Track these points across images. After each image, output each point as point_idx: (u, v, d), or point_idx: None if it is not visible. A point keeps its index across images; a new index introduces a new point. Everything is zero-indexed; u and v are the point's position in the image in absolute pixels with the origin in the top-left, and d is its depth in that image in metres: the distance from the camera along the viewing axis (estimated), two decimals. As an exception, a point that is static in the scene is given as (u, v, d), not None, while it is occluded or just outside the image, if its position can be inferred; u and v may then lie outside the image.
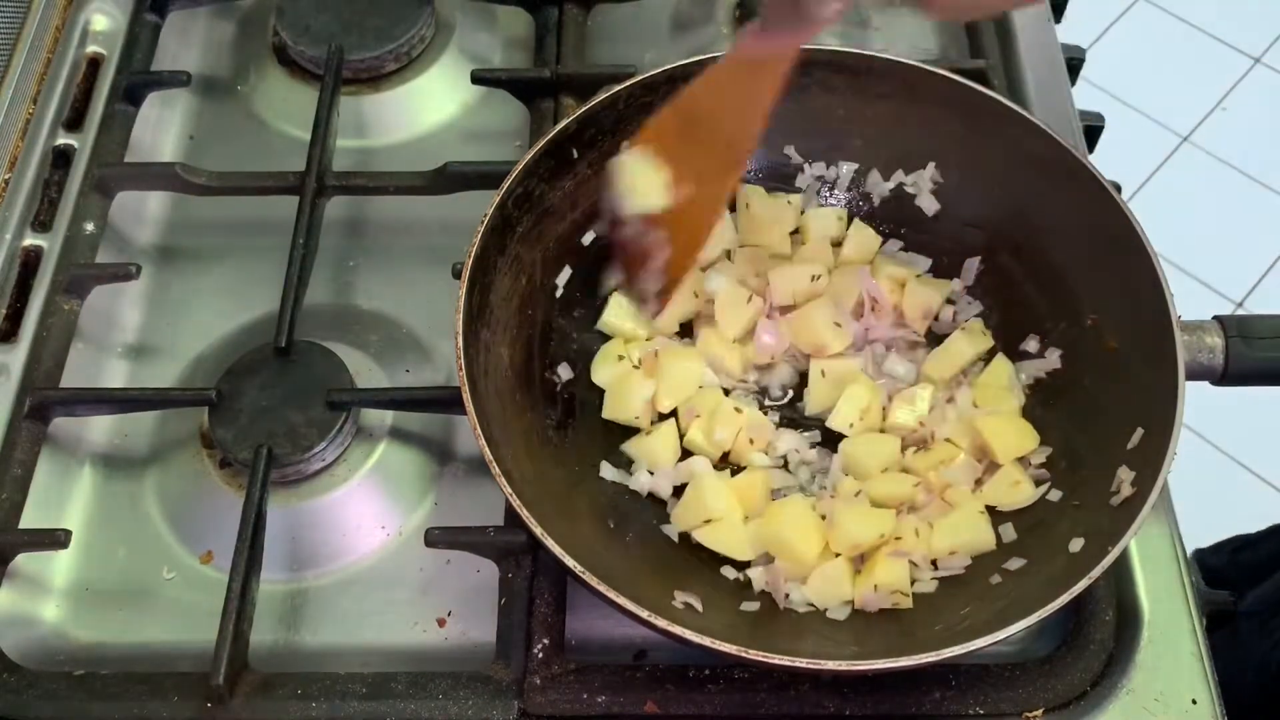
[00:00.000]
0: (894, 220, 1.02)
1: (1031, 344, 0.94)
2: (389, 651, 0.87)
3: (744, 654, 0.72)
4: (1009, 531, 0.86)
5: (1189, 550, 0.89)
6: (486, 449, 0.79)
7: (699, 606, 0.82)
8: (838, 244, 1.01)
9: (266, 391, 0.93)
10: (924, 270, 1.00)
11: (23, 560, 0.89)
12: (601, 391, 0.95)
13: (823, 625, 0.83)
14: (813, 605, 0.84)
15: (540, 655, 0.82)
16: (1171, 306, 0.84)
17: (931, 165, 1.00)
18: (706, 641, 0.73)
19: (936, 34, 1.20)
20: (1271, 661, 1.16)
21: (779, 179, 1.03)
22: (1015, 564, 0.84)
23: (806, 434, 0.94)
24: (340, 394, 0.92)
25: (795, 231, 1.02)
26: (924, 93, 0.97)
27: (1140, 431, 0.82)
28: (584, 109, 0.95)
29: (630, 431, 0.93)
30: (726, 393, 0.95)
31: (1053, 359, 0.93)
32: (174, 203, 1.10)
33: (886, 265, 0.99)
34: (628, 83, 0.96)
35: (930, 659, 0.73)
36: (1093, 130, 1.14)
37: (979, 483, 0.89)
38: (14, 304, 1.00)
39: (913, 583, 0.85)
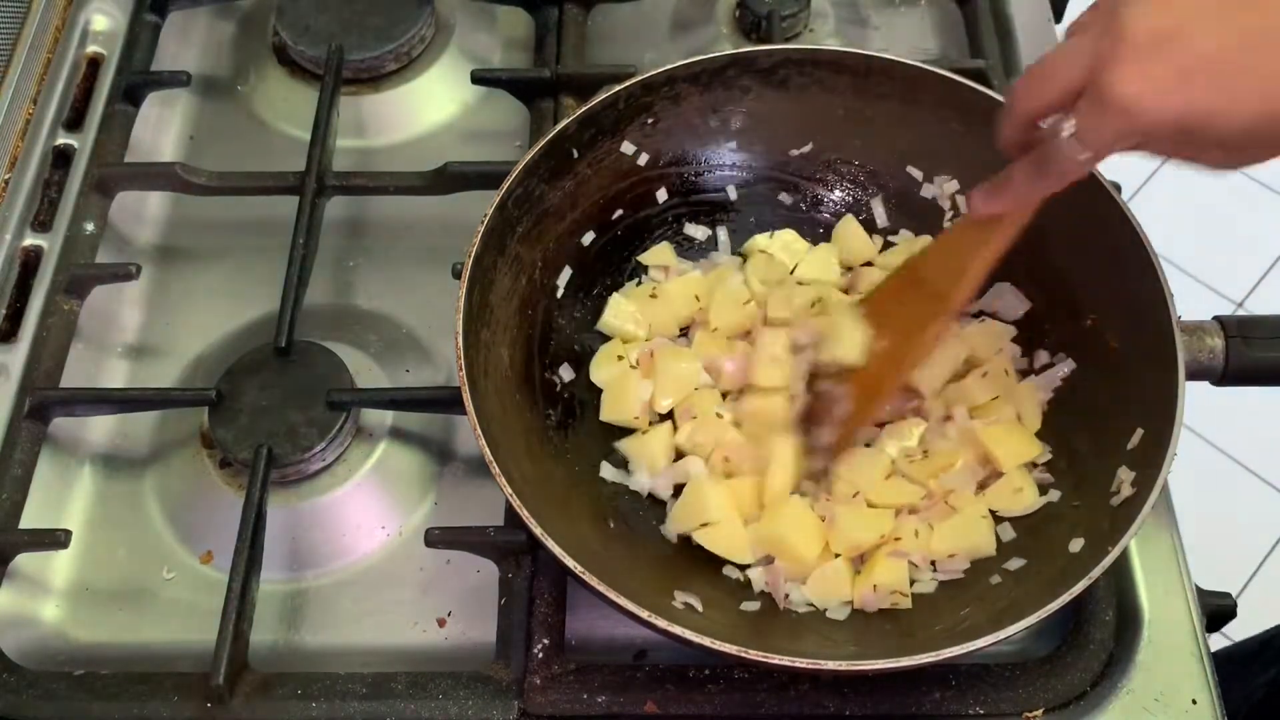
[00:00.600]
0: (896, 214, 1.02)
1: (1042, 356, 0.94)
2: (389, 651, 0.87)
3: (744, 654, 0.72)
4: (1008, 531, 0.86)
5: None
6: (486, 449, 0.79)
7: (699, 606, 0.82)
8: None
9: (266, 391, 0.93)
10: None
11: (23, 560, 0.89)
12: (601, 391, 0.95)
13: (823, 625, 0.83)
14: (813, 605, 0.84)
15: (540, 655, 0.82)
16: (1171, 306, 0.84)
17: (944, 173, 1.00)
18: (706, 641, 0.73)
19: (936, 34, 1.20)
20: None
21: (780, 181, 1.04)
22: (1015, 564, 0.84)
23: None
24: (340, 394, 0.92)
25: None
26: (924, 93, 0.97)
27: (1140, 431, 0.82)
28: (584, 109, 0.95)
29: (629, 431, 0.93)
30: (725, 396, 0.94)
31: (1065, 366, 0.92)
32: (174, 203, 1.10)
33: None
34: (628, 83, 0.96)
35: (930, 659, 0.73)
36: (1093, 130, 1.14)
37: (981, 486, 0.89)
38: (14, 304, 1.00)
39: (912, 583, 0.85)
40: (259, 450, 0.89)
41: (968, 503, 0.87)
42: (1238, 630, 1.21)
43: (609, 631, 0.86)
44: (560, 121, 0.95)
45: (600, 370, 0.95)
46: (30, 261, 1.02)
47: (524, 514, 0.76)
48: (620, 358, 0.95)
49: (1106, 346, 0.90)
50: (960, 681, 0.82)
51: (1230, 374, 0.88)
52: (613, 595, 0.74)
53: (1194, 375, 0.85)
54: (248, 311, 1.03)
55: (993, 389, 0.92)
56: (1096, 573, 0.75)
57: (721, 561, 0.87)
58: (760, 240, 1.01)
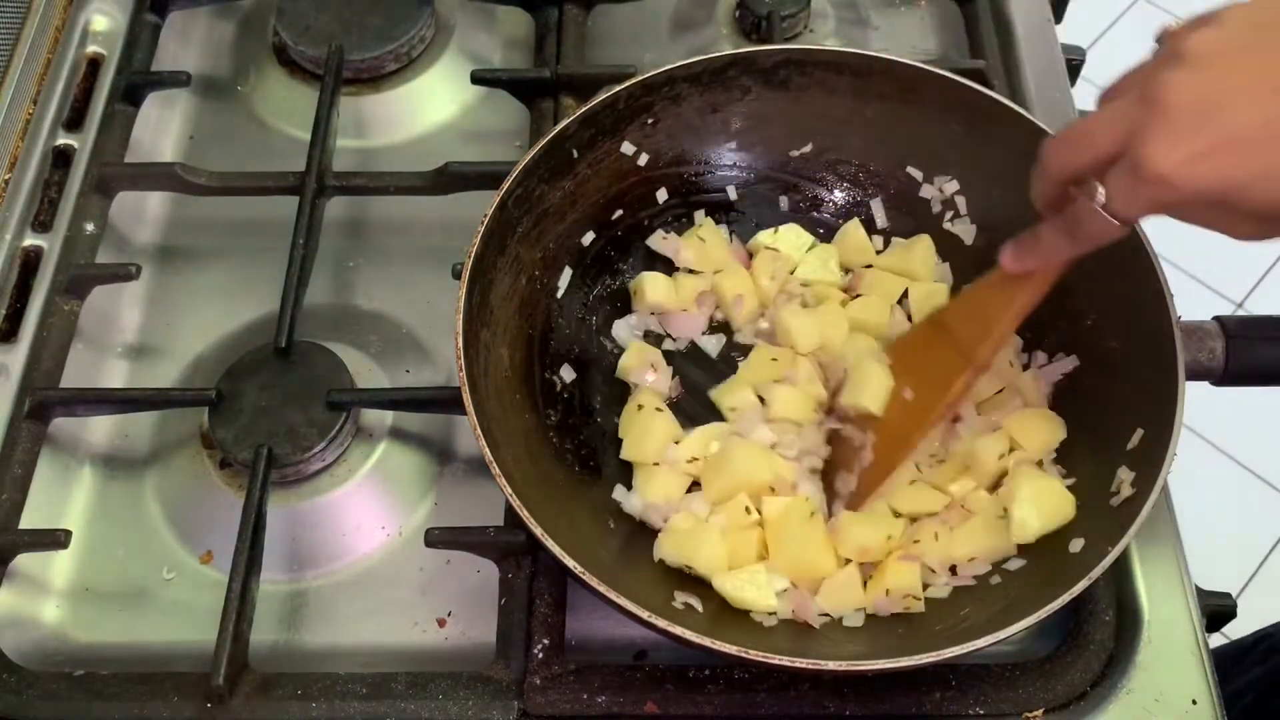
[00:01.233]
0: (896, 214, 1.02)
1: (1041, 357, 0.94)
2: (389, 651, 0.87)
3: (744, 654, 0.72)
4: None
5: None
6: (486, 449, 0.79)
7: (699, 607, 0.82)
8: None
9: (266, 391, 0.93)
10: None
11: (23, 560, 0.89)
12: (601, 391, 0.95)
13: (823, 626, 0.83)
14: (828, 616, 0.84)
15: (540, 655, 0.82)
16: (1171, 306, 0.84)
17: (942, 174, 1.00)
18: (706, 641, 0.73)
19: (936, 34, 1.20)
20: None
21: (780, 182, 1.04)
22: (1015, 564, 0.84)
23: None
24: (340, 394, 0.92)
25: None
26: (924, 93, 0.97)
27: (1140, 431, 0.82)
28: (584, 109, 0.95)
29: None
30: None
31: (1068, 361, 0.92)
32: (174, 203, 1.10)
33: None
34: (628, 83, 0.96)
35: (930, 659, 0.73)
36: (1093, 131, 1.14)
37: (993, 488, 0.88)
38: (14, 304, 1.00)
39: (926, 587, 0.84)
40: (259, 450, 0.89)
41: (984, 504, 0.86)
42: (1237, 631, 1.21)
43: (609, 631, 0.86)
44: (560, 121, 0.95)
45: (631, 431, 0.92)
46: (30, 261, 1.02)
47: (524, 514, 0.76)
48: (640, 407, 0.92)
49: (1106, 346, 0.90)
50: (960, 681, 0.82)
51: (1230, 374, 0.88)
52: (613, 595, 0.74)
53: (1194, 375, 0.85)
54: (248, 311, 1.03)
55: (998, 381, 0.92)
56: (1096, 573, 0.75)
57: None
58: (764, 237, 1.01)
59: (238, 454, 0.90)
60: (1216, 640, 1.07)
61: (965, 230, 0.99)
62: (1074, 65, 1.17)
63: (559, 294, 0.98)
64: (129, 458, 0.96)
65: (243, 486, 0.89)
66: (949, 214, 1.00)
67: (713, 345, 0.98)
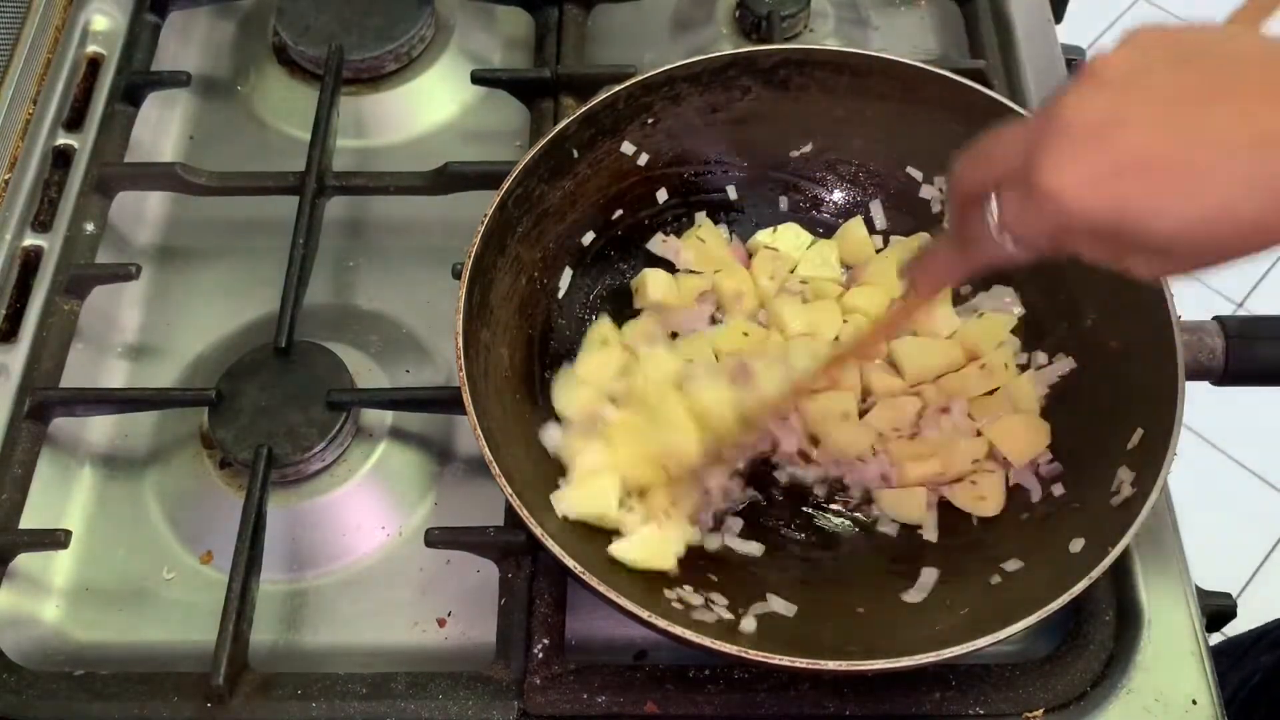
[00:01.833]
0: (895, 215, 1.02)
1: (1040, 357, 0.94)
2: (389, 651, 0.87)
3: (744, 654, 0.72)
4: (1007, 531, 0.86)
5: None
6: (486, 449, 0.79)
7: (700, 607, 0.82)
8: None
9: (266, 391, 0.93)
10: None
11: (23, 560, 0.89)
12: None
13: (823, 625, 0.83)
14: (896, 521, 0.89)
15: (540, 655, 0.82)
16: (1171, 306, 0.84)
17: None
18: (706, 641, 0.73)
19: (936, 34, 1.20)
20: None
21: (780, 182, 1.04)
22: (1015, 564, 0.84)
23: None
24: (340, 394, 0.92)
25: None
26: (924, 93, 0.97)
27: (1140, 431, 0.82)
28: (584, 109, 0.95)
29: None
30: None
31: (1065, 363, 0.92)
32: (174, 203, 1.10)
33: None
34: (628, 83, 0.96)
35: (930, 659, 0.73)
36: (1093, 130, 1.14)
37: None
38: (14, 304, 1.00)
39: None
40: (259, 450, 0.89)
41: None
42: (1237, 630, 1.21)
43: (609, 631, 0.86)
44: (560, 121, 0.95)
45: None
46: (30, 261, 1.02)
47: (524, 514, 0.76)
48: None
49: (1106, 346, 0.90)
50: (960, 681, 0.82)
51: (1230, 374, 0.88)
52: (613, 595, 0.74)
53: (1194, 375, 0.85)
54: (248, 311, 1.03)
55: (992, 381, 0.92)
56: (1096, 573, 0.75)
57: (723, 560, 0.87)
58: (764, 236, 1.01)
59: (238, 454, 0.90)
60: (1218, 641, 1.08)
61: None
62: (1074, 65, 1.17)
63: (559, 294, 0.98)
64: (129, 458, 0.96)
65: (243, 486, 0.89)
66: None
67: None
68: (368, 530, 0.92)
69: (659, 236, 1.01)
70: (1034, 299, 0.96)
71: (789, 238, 1.01)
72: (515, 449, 0.86)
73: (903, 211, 1.02)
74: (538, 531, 0.76)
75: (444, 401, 0.92)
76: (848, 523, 0.91)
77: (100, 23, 1.17)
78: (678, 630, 0.73)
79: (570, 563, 0.75)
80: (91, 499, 0.95)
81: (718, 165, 1.03)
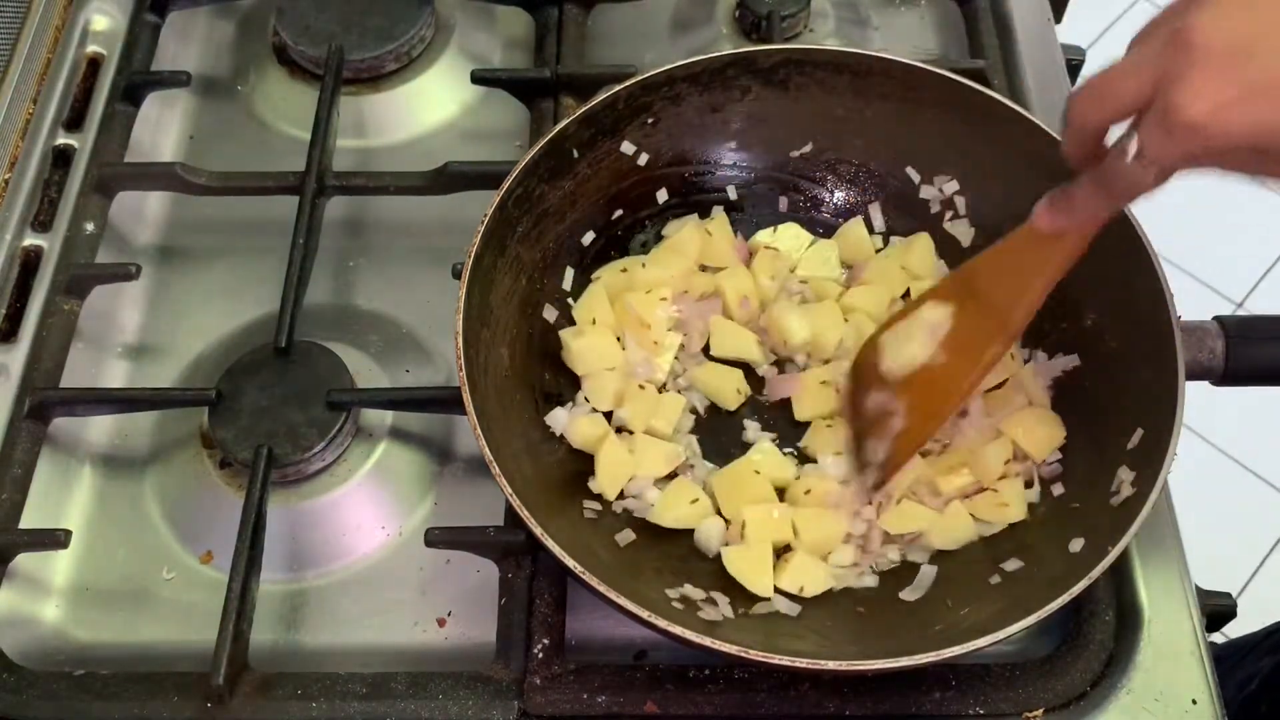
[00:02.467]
0: (895, 214, 1.02)
1: (1041, 357, 0.94)
2: (389, 651, 0.87)
3: (744, 654, 0.72)
4: (1007, 531, 0.87)
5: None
6: (486, 449, 0.79)
7: (699, 606, 0.82)
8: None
9: (266, 391, 0.93)
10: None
11: (23, 560, 0.89)
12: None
13: (823, 625, 0.83)
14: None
15: (540, 655, 0.82)
16: (1171, 306, 0.84)
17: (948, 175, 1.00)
18: (706, 641, 0.73)
19: (936, 34, 1.20)
20: None
21: (780, 182, 1.04)
22: (1015, 564, 0.84)
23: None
24: (340, 394, 0.92)
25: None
26: (924, 93, 0.97)
27: (1140, 431, 0.82)
28: (584, 109, 0.95)
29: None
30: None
31: (1068, 360, 0.92)
32: (174, 203, 1.10)
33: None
34: (628, 83, 0.96)
35: (930, 659, 0.73)
36: (1093, 130, 1.14)
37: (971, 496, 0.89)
38: (14, 304, 1.00)
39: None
40: (259, 450, 0.89)
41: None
42: (1237, 630, 1.21)
43: (609, 631, 0.86)
44: (560, 121, 0.95)
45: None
46: (30, 261, 1.02)
47: (524, 514, 0.76)
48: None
49: (1106, 346, 0.90)
50: (960, 681, 0.82)
51: (1230, 374, 0.88)
52: (613, 595, 0.74)
53: (1194, 375, 0.85)
54: (248, 311, 1.03)
55: (1003, 371, 0.92)
56: (1096, 573, 0.75)
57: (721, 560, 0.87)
58: (764, 236, 1.01)
59: (238, 454, 0.90)
60: (1218, 641, 1.07)
61: (964, 231, 0.99)
62: (1074, 65, 1.17)
63: (559, 294, 0.97)
64: (129, 458, 0.96)
65: (243, 486, 0.89)
66: (948, 214, 1.00)
67: None
68: (368, 530, 0.92)
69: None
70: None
71: (789, 238, 1.01)
72: (515, 449, 0.86)
73: (903, 211, 1.02)
74: (538, 531, 0.76)
75: (444, 401, 0.92)
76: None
77: (100, 23, 1.17)
78: (678, 630, 0.73)
79: (570, 563, 0.75)
80: (91, 499, 0.95)
81: (718, 165, 1.03)
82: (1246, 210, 2.59)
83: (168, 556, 0.92)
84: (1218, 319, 0.90)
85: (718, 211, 1.02)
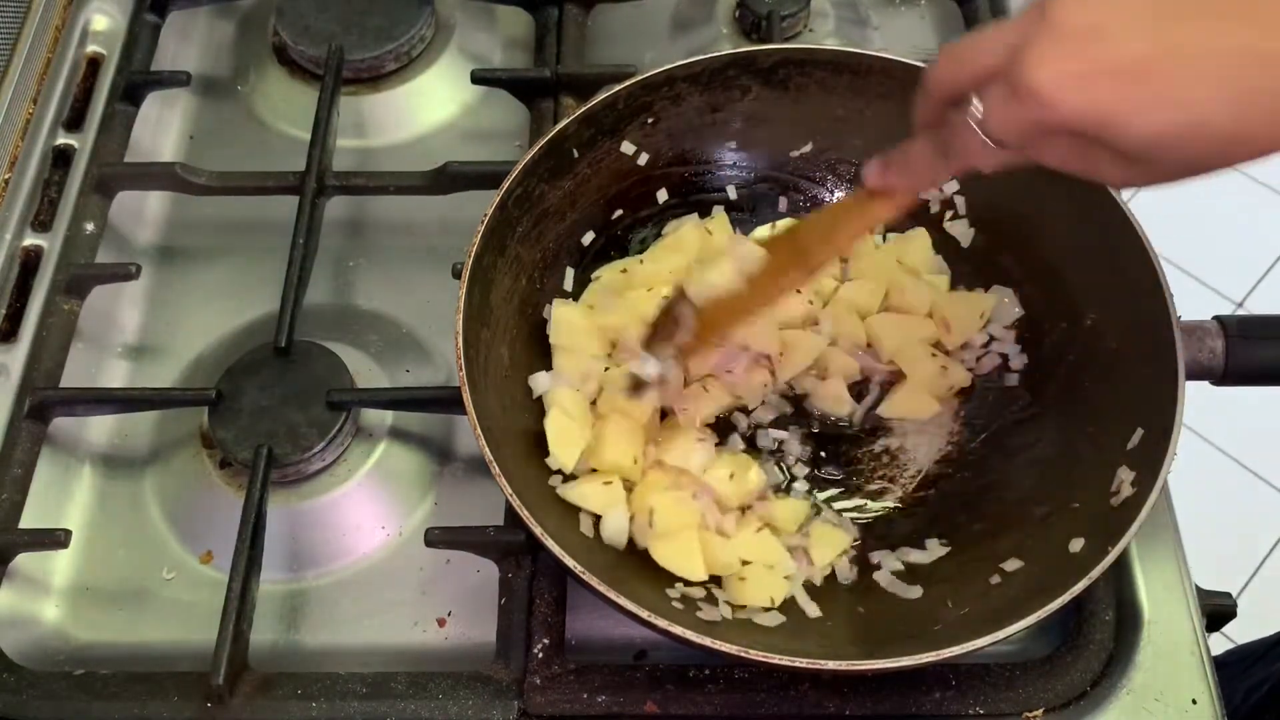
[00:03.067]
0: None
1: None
2: (389, 651, 0.87)
3: (744, 654, 0.72)
4: (1007, 531, 0.87)
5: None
6: (486, 449, 0.79)
7: (700, 606, 0.82)
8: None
9: (266, 391, 0.93)
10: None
11: (23, 560, 0.89)
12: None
13: (823, 625, 0.83)
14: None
15: (540, 655, 0.82)
16: (1171, 306, 0.84)
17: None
18: (706, 641, 0.73)
19: (936, 33, 1.20)
20: None
21: (780, 181, 1.04)
22: (1015, 564, 0.84)
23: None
24: (340, 394, 0.92)
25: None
26: (924, 93, 0.96)
27: (1140, 431, 0.82)
28: (584, 109, 0.95)
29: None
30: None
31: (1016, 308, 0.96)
32: (174, 203, 1.11)
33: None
34: (628, 83, 0.96)
35: (930, 659, 0.73)
36: (1093, 130, 1.14)
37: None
38: (14, 304, 1.00)
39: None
40: (259, 450, 0.89)
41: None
42: (1237, 630, 1.21)
43: (609, 631, 0.86)
44: (560, 121, 0.95)
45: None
46: (30, 261, 1.02)
47: (524, 514, 0.76)
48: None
49: (1106, 346, 0.90)
50: (960, 681, 0.82)
51: (1230, 374, 0.88)
52: (613, 595, 0.74)
53: (1194, 375, 0.85)
54: (248, 311, 1.03)
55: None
56: (1096, 573, 0.75)
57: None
58: (761, 232, 1.01)
59: (238, 454, 0.90)
60: (1219, 641, 1.07)
61: (963, 231, 0.99)
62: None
63: (559, 294, 0.98)
64: (129, 458, 0.96)
65: (243, 486, 0.89)
66: (948, 214, 1.00)
67: None
68: (368, 530, 0.92)
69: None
70: (1034, 299, 0.96)
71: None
72: (515, 449, 0.86)
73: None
74: (538, 531, 0.76)
75: (444, 401, 0.92)
76: (850, 515, 0.91)
77: (100, 23, 1.17)
78: (678, 630, 0.73)
79: (570, 563, 0.75)
80: (91, 499, 0.95)
81: (718, 165, 1.03)
82: (1246, 210, 2.59)
83: (168, 556, 0.92)
84: (1218, 319, 0.90)
85: (718, 211, 1.02)
